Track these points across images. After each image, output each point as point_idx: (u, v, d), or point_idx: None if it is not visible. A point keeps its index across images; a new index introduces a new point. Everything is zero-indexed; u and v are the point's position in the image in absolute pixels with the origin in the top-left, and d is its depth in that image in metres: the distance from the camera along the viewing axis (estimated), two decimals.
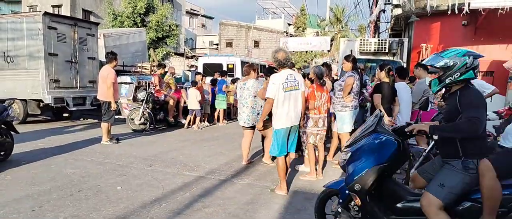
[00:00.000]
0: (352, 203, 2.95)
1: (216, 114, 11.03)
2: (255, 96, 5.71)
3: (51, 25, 9.29)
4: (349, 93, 5.56)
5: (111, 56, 7.31)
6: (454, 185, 2.54)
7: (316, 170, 5.26)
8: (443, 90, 2.83)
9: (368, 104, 6.77)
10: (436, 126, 2.68)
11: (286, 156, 4.52)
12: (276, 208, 4.01)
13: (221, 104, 10.86)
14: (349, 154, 2.92)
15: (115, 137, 7.51)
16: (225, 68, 14.13)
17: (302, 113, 4.53)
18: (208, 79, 11.73)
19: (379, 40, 13.42)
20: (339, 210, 3.03)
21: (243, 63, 14.75)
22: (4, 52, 9.55)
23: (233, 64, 14.49)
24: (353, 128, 5.81)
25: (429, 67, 5.55)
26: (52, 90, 9.36)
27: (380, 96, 5.07)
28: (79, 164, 5.57)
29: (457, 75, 2.58)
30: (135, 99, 9.57)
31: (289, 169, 5.10)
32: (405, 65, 11.64)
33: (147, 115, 8.87)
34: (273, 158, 5.52)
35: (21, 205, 3.84)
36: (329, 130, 7.04)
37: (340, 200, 3.04)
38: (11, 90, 9.30)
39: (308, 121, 5.08)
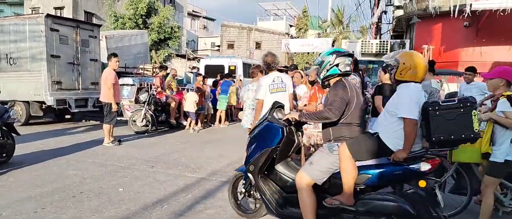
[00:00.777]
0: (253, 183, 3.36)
1: (217, 115, 11.04)
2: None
3: (53, 27, 9.33)
4: None
5: (111, 55, 7.38)
6: (320, 164, 2.91)
7: None
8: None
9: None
10: (304, 113, 3.17)
11: None
12: None
13: (222, 105, 10.87)
14: (248, 140, 3.41)
15: (117, 139, 7.53)
16: (227, 70, 14.15)
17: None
18: (210, 81, 11.76)
19: (380, 41, 13.41)
20: (243, 189, 3.55)
21: (244, 64, 14.79)
22: (6, 54, 9.60)
23: (235, 66, 14.52)
24: None
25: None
26: (54, 92, 9.39)
27: (381, 98, 5.06)
28: (81, 166, 5.58)
29: (325, 71, 3.02)
30: (137, 101, 9.59)
31: None
32: None
33: (149, 116, 8.88)
34: None
35: (23, 206, 3.85)
36: None
37: (244, 181, 3.54)
38: (14, 92, 9.32)
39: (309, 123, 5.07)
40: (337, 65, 2.96)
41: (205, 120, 10.72)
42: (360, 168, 2.82)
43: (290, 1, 36.70)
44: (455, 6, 9.68)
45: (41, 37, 9.14)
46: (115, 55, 7.41)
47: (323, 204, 2.87)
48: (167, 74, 10.57)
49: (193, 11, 41.98)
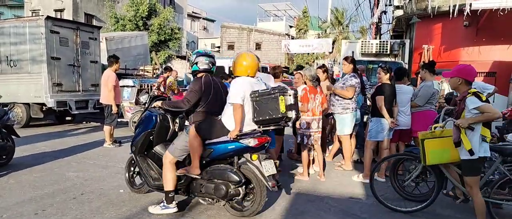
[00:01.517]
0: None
1: None
2: None
3: (53, 29, 9.35)
4: (352, 98, 5.56)
5: (112, 59, 7.34)
6: (179, 144, 3.62)
7: (309, 173, 5.29)
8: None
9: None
10: (166, 102, 3.91)
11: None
12: (279, 210, 4.01)
13: None
14: (135, 126, 4.21)
15: (118, 140, 7.54)
16: (227, 71, 14.13)
17: None
18: None
19: (380, 41, 13.38)
20: (132, 168, 4.36)
21: None
22: (7, 56, 9.62)
23: None
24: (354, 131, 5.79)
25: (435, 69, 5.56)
26: (55, 94, 9.40)
27: (383, 98, 5.05)
28: (81, 167, 5.59)
29: (189, 68, 3.64)
30: (137, 102, 9.58)
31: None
32: (407, 67, 11.63)
33: None
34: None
35: (24, 208, 3.85)
36: (330, 133, 7.04)
37: (133, 161, 4.18)
38: (14, 94, 9.32)
39: (301, 123, 5.07)
40: (196, 63, 3.73)
41: None
42: (207, 145, 3.58)
43: (290, 2, 36.73)
44: (454, 6, 9.67)
45: (41, 39, 9.15)
46: (116, 59, 7.34)
47: (180, 176, 3.66)
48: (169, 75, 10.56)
49: (193, 12, 42.02)
